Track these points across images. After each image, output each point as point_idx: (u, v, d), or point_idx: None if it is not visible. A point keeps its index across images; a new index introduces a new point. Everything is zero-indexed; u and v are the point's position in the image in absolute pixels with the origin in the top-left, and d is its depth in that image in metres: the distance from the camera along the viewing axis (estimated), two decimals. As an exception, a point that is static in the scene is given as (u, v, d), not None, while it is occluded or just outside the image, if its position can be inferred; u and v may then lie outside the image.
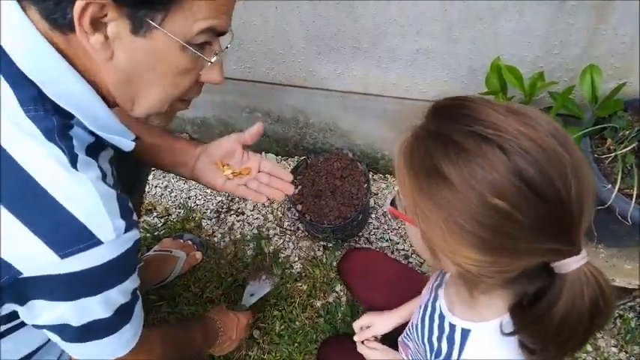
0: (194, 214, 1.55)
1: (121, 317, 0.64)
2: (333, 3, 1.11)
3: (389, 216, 1.45)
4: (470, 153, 0.46)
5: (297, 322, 1.30)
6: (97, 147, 0.59)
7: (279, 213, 1.53)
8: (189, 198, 1.60)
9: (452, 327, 0.65)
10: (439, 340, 0.68)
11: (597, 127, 0.97)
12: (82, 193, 0.53)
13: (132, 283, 0.64)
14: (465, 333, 0.63)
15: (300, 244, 1.46)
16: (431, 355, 0.70)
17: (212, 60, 0.58)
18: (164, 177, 1.66)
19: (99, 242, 0.54)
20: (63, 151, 0.52)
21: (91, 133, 0.58)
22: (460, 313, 0.65)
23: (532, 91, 0.96)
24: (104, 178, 0.58)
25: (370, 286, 1.15)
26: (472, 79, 1.16)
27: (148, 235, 1.48)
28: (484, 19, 1.03)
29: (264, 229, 1.49)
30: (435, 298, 0.73)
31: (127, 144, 0.62)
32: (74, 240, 0.53)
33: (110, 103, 0.60)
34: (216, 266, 1.42)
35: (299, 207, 1.37)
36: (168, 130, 0.92)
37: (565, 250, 0.47)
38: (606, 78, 1.04)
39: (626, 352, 1.21)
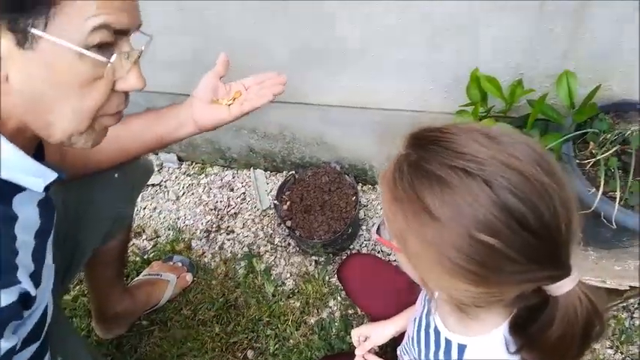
0: (183, 235, 1.53)
1: None
2: (313, 18, 1.11)
3: (375, 242, 1.45)
4: (454, 189, 0.45)
5: (291, 341, 1.29)
6: (5, 188, 0.54)
7: (269, 229, 1.52)
8: (178, 218, 1.58)
9: (448, 342, 0.65)
10: (436, 355, 0.67)
11: (578, 132, 0.97)
12: None
13: None
14: (462, 348, 0.62)
15: (291, 260, 1.45)
16: None
17: (111, 60, 0.52)
18: (152, 198, 1.64)
19: None
20: None
21: None
22: (454, 328, 0.65)
23: (512, 100, 0.97)
24: (5, 222, 0.53)
25: (370, 293, 1.15)
26: (456, 87, 1.17)
27: (138, 258, 1.46)
28: (465, 27, 1.04)
29: (254, 247, 1.48)
30: (429, 312, 0.72)
31: (32, 184, 0.56)
32: None
33: (26, 133, 0.55)
34: (207, 287, 1.40)
35: (288, 223, 1.36)
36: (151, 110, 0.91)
37: (557, 274, 0.47)
38: (587, 81, 1.05)
39: (622, 353, 1.21)
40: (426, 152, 0.48)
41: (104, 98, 0.55)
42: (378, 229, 0.61)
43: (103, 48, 0.51)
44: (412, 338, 0.77)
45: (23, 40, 0.47)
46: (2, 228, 0.53)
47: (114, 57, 0.52)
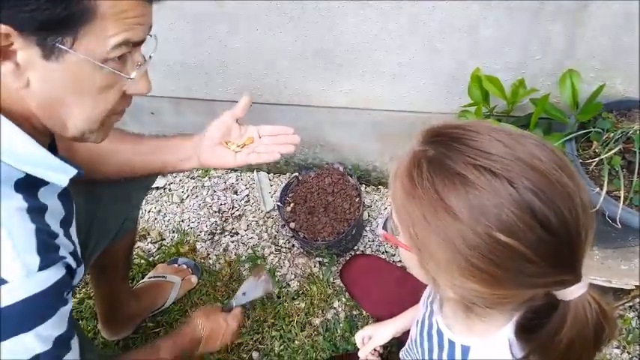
0: (188, 238, 1.54)
1: None
2: (313, 22, 1.11)
3: (380, 239, 1.44)
4: (478, 188, 0.45)
5: (296, 342, 1.29)
6: (31, 182, 0.58)
7: (273, 231, 1.53)
8: (182, 221, 1.59)
9: (451, 343, 0.64)
10: (439, 357, 0.67)
11: (582, 131, 0.97)
12: None
13: (52, 328, 0.58)
14: (465, 349, 0.62)
15: (295, 262, 1.45)
16: None
17: (132, 76, 0.58)
18: (156, 201, 1.65)
19: (2, 281, 0.52)
20: None
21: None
22: (458, 329, 0.64)
23: (514, 99, 0.97)
24: (34, 212, 0.56)
25: (372, 294, 1.15)
26: (456, 88, 1.17)
27: (143, 261, 1.47)
28: (463, 29, 1.04)
29: (259, 249, 1.49)
30: (431, 314, 0.72)
31: (58, 179, 0.60)
32: None
33: (43, 131, 0.59)
34: (212, 289, 1.41)
35: (292, 225, 1.36)
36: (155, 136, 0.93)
37: (570, 279, 0.47)
38: (589, 80, 1.04)
39: (629, 353, 1.20)
40: (449, 150, 0.47)
41: (116, 102, 0.60)
42: (385, 225, 0.59)
43: (121, 58, 0.56)
44: (415, 340, 0.77)
45: (50, 53, 0.51)
46: (36, 217, 0.57)
47: (134, 73, 0.58)
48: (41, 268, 0.55)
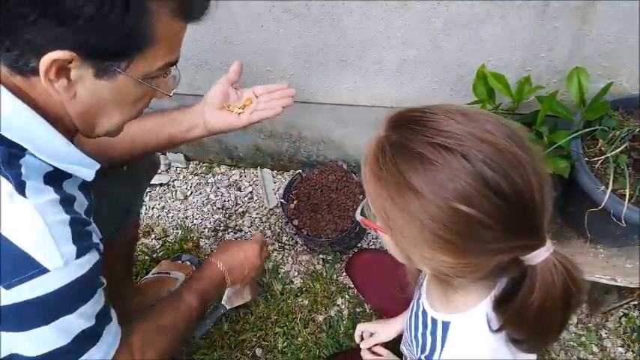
0: (192, 234, 1.54)
1: (82, 343, 0.62)
2: (317, 18, 1.11)
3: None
4: (435, 164, 0.48)
5: (299, 338, 1.29)
6: (58, 175, 0.61)
7: (277, 228, 1.53)
8: (186, 217, 1.59)
9: (434, 321, 0.67)
10: (424, 335, 0.70)
11: (587, 130, 0.96)
12: (25, 221, 0.54)
13: (93, 306, 0.63)
14: (446, 325, 0.65)
15: (299, 259, 1.45)
16: (417, 350, 0.71)
17: (171, 94, 0.65)
18: (160, 198, 1.65)
19: (45, 270, 0.55)
20: (8, 179, 0.54)
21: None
22: (439, 308, 0.67)
23: (520, 97, 0.96)
24: (66, 203, 0.59)
25: (378, 288, 1.16)
26: (461, 86, 1.17)
27: (147, 257, 1.48)
28: (468, 26, 1.04)
29: (262, 245, 1.49)
30: (419, 296, 0.75)
31: (86, 174, 0.64)
32: (18, 269, 0.53)
33: (73, 131, 0.64)
34: (216, 285, 1.41)
35: (295, 222, 1.37)
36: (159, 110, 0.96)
37: (532, 244, 0.50)
38: (596, 78, 1.04)
39: (633, 352, 1.20)
40: (408, 132, 0.51)
41: (145, 107, 0.67)
42: (362, 211, 0.63)
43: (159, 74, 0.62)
44: (406, 324, 0.79)
45: (103, 74, 0.56)
46: (68, 208, 0.60)
47: (173, 92, 0.66)
48: (78, 256, 0.58)
